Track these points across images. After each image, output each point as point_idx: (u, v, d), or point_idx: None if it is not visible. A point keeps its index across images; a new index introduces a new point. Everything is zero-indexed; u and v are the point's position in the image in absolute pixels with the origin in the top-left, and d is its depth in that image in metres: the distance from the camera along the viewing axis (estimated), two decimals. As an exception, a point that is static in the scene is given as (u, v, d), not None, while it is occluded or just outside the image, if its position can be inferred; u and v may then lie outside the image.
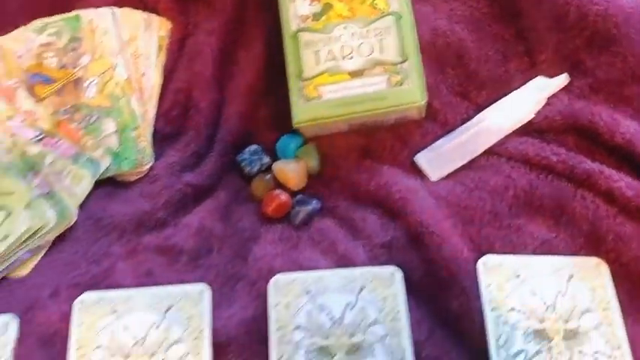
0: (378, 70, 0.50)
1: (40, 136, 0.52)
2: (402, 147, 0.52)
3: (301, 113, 0.50)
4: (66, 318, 0.44)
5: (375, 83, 0.50)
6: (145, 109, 0.54)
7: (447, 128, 0.52)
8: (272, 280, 0.45)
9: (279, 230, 0.50)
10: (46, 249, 0.49)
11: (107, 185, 0.52)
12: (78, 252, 0.49)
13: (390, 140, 0.52)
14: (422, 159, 0.50)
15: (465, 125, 0.51)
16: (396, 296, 0.44)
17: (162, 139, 0.55)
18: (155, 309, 0.44)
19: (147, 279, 0.47)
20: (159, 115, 0.55)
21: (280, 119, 0.54)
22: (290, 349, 0.42)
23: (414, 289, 0.44)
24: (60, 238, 0.50)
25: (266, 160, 0.53)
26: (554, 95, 0.51)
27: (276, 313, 0.44)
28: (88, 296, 0.45)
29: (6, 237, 0.48)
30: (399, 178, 0.49)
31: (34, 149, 0.51)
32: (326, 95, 0.50)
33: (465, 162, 0.50)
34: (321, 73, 0.50)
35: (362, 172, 0.50)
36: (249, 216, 0.51)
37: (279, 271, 0.45)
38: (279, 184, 0.52)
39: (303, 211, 0.50)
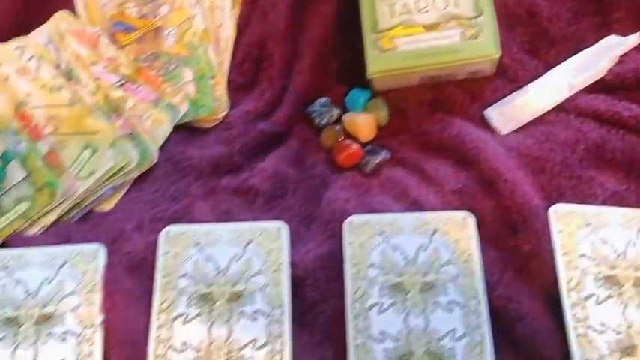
0: (453, 24, 0.51)
1: (122, 82, 0.55)
2: (471, 102, 0.53)
3: (376, 64, 0.51)
4: (151, 248, 0.47)
5: (449, 36, 0.51)
6: (220, 59, 0.56)
7: (517, 85, 0.53)
8: (347, 221, 0.47)
9: (350, 178, 0.51)
10: (128, 186, 0.52)
11: (184, 131, 0.55)
12: (158, 191, 0.51)
13: (460, 95, 0.53)
14: (492, 113, 0.51)
15: (535, 81, 0.52)
16: (469, 239, 0.45)
17: (235, 89, 0.57)
18: (236, 243, 0.46)
19: (225, 218, 0.49)
20: (232, 66, 0.57)
21: (349, 73, 0.56)
22: (365, 284, 0.44)
23: (485, 234, 0.46)
24: (140, 178, 0.52)
25: (335, 112, 0.55)
26: (625, 54, 0.52)
27: (351, 251, 0.46)
28: (173, 229, 0.47)
29: (92, 173, 0.50)
30: (470, 129, 0.50)
31: (116, 93, 0.54)
32: (401, 47, 0.51)
33: (534, 117, 0.51)
34: (396, 26, 0.52)
35: (433, 124, 0.51)
36: (319, 164, 0.53)
37: (352, 214, 0.47)
38: (348, 135, 0.54)
39: (373, 160, 0.52)
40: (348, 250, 0.46)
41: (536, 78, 0.52)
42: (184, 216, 0.49)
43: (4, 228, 0.49)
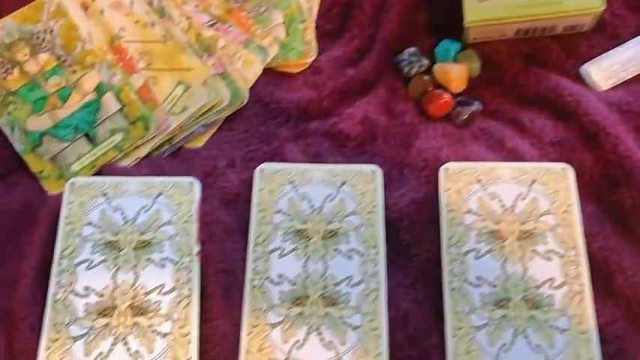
0: (556, -25, 0.50)
1: (213, 22, 0.54)
2: (567, 57, 0.52)
3: (474, 13, 0.50)
4: (245, 184, 0.47)
5: (552, -13, 0.50)
6: (310, 4, 0.56)
7: (616, 42, 0.51)
8: (442, 167, 0.46)
9: (440, 127, 0.51)
10: (218, 125, 0.52)
11: (272, 74, 0.54)
12: (248, 131, 0.52)
13: (555, 50, 0.52)
14: (591, 68, 0.50)
15: (636, 38, 0.51)
16: (568, 191, 0.45)
17: (322, 35, 0.56)
18: (330, 183, 0.46)
19: (316, 160, 0.49)
20: (320, 13, 0.57)
21: (438, 25, 0.55)
22: (461, 230, 0.44)
23: (585, 187, 0.45)
24: (230, 118, 0.52)
25: (425, 62, 0.54)
26: None
27: (447, 198, 0.45)
28: (267, 166, 0.47)
29: (185, 109, 0.51)
30: (568, 83, 0.49)
31: (207, 32, 0.54)
32: (501, -4, 0.50)
33: (635, 74, 0.50)
34: (497, -26, 0.51)
35: (528, 77, 0.51)
36: (408, 113, 0.52)
37: (446, 162, 0.47)
38: (438, 86, 0.53)
39: (465, 111, 0.51)
40: (443, 197, 0.45)
41: (637, 35, 0.51)
42: (275, 156, 0.49)
43: (99, 158, 0.50)
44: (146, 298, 0.42)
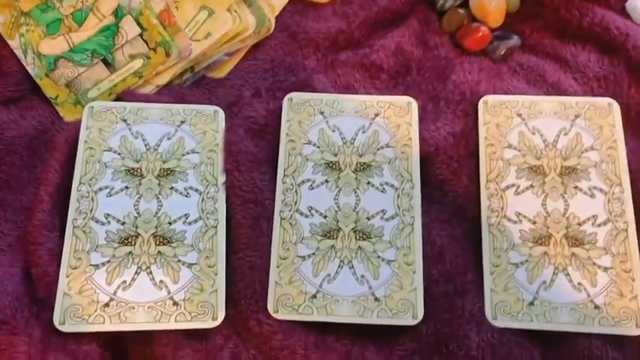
0: None
1: (237, -55, 0.51)
2: (613, -9, 0.49)
3: (518, -61, 0.48)
4: (272, 115, 0.45)
5: None
6: None
7: (665, -25, 0.49)
8: (481, 100, 0.44)
9: (477, 62, 0.48)
10: (243, 54, 0.49)
11: (299, 3, 0.52)
12: (274, 61, 0.49)
13: (600, -17, 0.49)
14: (637, 3, 0.47)
15: (688, -29, 0.48)
16: (613, 127, 0.43)
17: (352, -35, 0.53)
18: (362, 115, 0.44)
19: (346, 91, 0.47)
20: (349, -60, 0.54)
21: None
22: (501, 165, 0.42)
23: (631, 123, 0.43)
24: (255, 47, 0.49)
25: (461, -6, 0.52)
26: None
27: (485, 131, 0.43)
28: (297, 95, 0.45)
29: (208, 36, 0.48)
30: (614, 17, 0.47)
31: (231, -44, 0.51)
32: None
33: (684, 10, 0.48)
34: None
35: (571, 10, 0.48)
36: (443, 47, 0.50)
37: (484, 95, 0.45)
38: (474, 20, 0.51)
39: (503, 45, 0.48)
40: (482, 131, 0.43)
41: (687, -31, 0.49)
42: (304, 87, 0.47)
43: (117, 84, 0.47)
44: (170, 228, 0.40)
